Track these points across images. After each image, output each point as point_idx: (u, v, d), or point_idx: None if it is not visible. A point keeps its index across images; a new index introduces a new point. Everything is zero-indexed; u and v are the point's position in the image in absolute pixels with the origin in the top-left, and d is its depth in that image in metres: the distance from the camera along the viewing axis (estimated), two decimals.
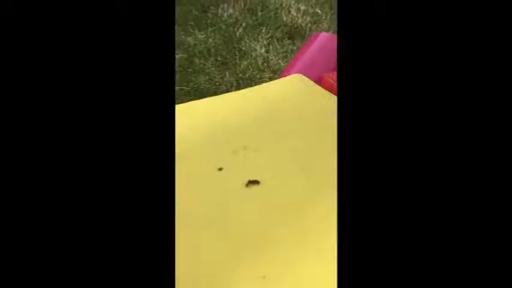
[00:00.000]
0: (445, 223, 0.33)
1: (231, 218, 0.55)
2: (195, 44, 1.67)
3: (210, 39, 1.70)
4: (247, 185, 0.60)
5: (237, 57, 1.65)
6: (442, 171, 0.33)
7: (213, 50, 1.66)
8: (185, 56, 1.62)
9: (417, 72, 0.34)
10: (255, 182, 0.60)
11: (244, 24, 1.78)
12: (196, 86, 1.52)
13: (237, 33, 1.74)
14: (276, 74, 1.57)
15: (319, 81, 0.87)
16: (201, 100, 0.76)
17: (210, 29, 1.74)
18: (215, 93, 1.45)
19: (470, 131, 0.33)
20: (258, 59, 1.65)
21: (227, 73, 1.59)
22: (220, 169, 0.62)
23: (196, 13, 1.81)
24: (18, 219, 0.32)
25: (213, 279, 0.48)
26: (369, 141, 0.34)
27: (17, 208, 0.32)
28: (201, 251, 0.51)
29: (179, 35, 1.70)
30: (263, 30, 1.76)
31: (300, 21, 1.85)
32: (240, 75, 1.58)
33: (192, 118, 0.71)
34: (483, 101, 0.33)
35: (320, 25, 1.85)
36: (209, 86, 1.53)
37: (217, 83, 1.54)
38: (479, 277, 0.33)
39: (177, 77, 1.56)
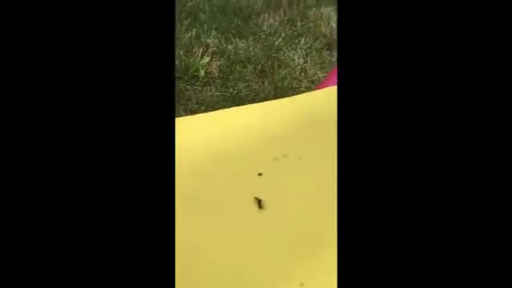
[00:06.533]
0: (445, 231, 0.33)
1: (272, 219, 0.56)
2: (236, 52, 1.72)
3: (250, 48, 1.74)
4: (259, 206, 0.59)
5: (276, 66, 1.69)
6: (445, 176, 0.33)
7: (252, 58, 1.71)
8: (227, 63, 1.67)
9: (420, 77, 0.33)
10: (259, 202, 0.60)
11: (283, 35, 1.82)
12: (235, 92, 1.57)
13: (276, 43, 1.78)
14: (314, 84, 1.60)
15: None
16: (243, 106, 0.79)
17: (250, 38, 1.79)
18: (253, 100, 1.49)
19: (471, 129, 0.33)
20: (296, 68, 1.69)
21: (265, 81, 1.62)
22: (260, 174, 0.65)
23: (238, 22, 1.85)
24: (17, 219, 0.31)
25: (254, 281, 0.47)
26: (369, 144, 0.34)
27: (16, 208, 0.31)
28: (239, 253, 0.51)
29: (221, 43, 1.75)
30: (302, 41, 1.79)
31: None
32: (278, 84, 1.62)
33: (233, 123, 0.74)
34: (483, 95, 0.33)
35: None
36: (248, 92, 1.57)
37: (256, 90, 1.58)
38: (480, 277, 0.32)
39: (218, 82, 1.61)
